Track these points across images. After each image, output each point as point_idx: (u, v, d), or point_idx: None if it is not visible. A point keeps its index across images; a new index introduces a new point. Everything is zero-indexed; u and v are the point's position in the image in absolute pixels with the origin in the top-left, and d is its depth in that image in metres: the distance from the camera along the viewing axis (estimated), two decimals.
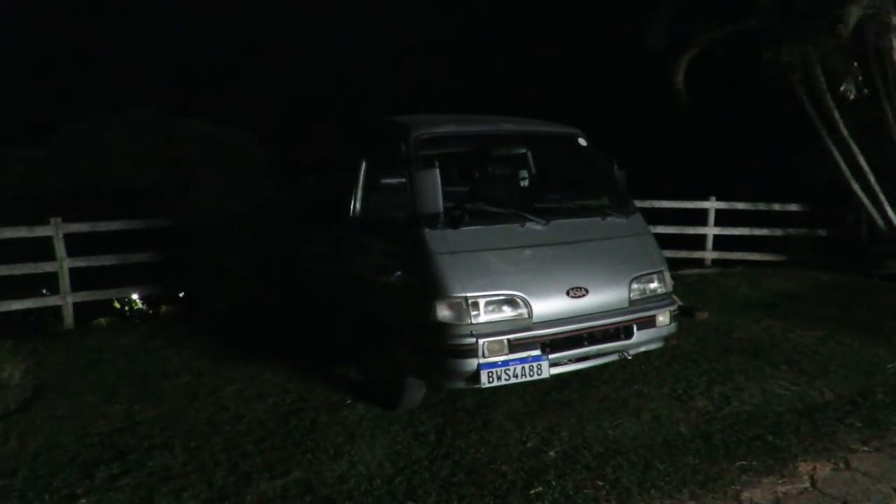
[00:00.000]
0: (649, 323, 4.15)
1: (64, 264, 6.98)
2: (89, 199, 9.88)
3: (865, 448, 3.65)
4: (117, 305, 7.84)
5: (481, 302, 3.70)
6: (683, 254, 9.21)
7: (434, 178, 3.81)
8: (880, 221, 8.66)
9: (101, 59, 16.85)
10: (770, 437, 3.77)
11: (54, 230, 6.92)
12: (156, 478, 3.47)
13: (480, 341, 3.61)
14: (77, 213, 7.58)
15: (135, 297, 7.87)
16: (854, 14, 7.15)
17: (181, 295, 8.09)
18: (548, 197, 4.77)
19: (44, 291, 7.58)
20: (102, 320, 7.42)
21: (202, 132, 12.27)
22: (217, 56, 17.45)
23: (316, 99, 16.42)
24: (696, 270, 9.01)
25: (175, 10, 17.58)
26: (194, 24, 17.62)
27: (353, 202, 4.66)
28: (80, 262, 7.12)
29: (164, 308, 7.92)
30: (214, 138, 12.25)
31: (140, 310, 7.90)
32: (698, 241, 9.44)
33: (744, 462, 3.48)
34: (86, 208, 8.87)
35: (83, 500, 3.28)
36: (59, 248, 6.94)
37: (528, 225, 4.10)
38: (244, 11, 18.10)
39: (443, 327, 3.65)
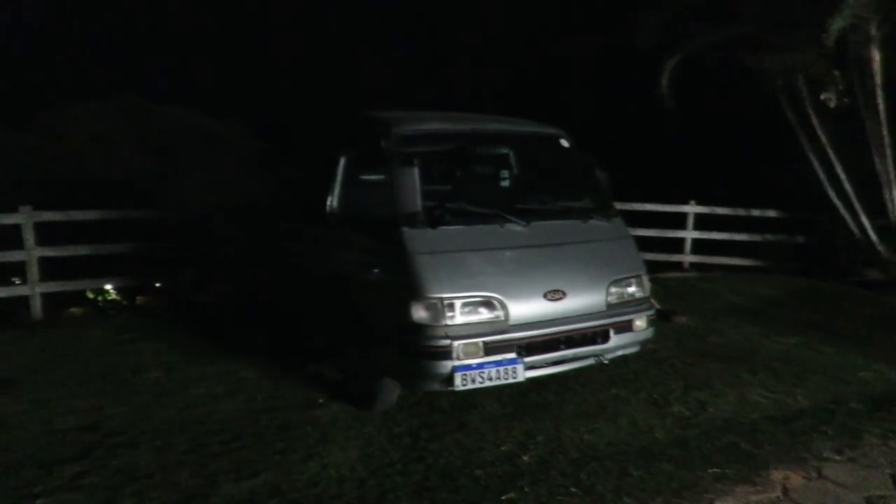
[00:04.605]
0: (626, 327, 4.12)
1: (33, 254, 6.82)
2: (66, 188, 9.67)
3: (838, 457, 3.65)
4: (91, 296, 7.68)
5: (457, 303, 3.64)
6: (662, 257, 9.24)
7: (414, 177, 3.74)
8: (855, 229, 8.75)
9: (84, 45, 16.49)
10: (745, 445, 3.76)
11: (24, 218, 6.75)
12: (119, 478, 3.36)
13: (455, 343, 3.55)
14: (54, 201, 7.43)
15: (109, 287, 7.72)
16: (837, 24, 7.18)
17: (157, 286, 7.96)
18: (530, 198, 4.72)
19: (15, 281, 7.41)
20: (75, 310, 7.28)
21: (190, 122, 12.05)
22: (209, 43, 17.14)
23: (311, 90, 16.21)
24: (676, 274, 9.04)
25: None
26: (184, 8, 17.31)
27: (331, 198, 4.57)
28: (51, 252, 6.96)
29: (139, 299, 7.80)
30: (203, 128, 12.04)
31: (114, 301, 7.76)
32: (678, 245, 9.47)
33: (718, 470, 3.46)
34: (63, 197, 8.70)
35: (41, 501, 3.17)
36: (29, 237, 6.78)
37: (509, 226, 4.05)
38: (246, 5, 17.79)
39: (418, 328, 3.60)
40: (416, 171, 3.74)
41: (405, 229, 3.74)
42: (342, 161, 4.60)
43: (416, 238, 3.73)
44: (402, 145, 4.07)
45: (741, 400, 4.46)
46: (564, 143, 4.81)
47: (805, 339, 5.90)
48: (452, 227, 3.86)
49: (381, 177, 4.11)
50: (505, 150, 5.23)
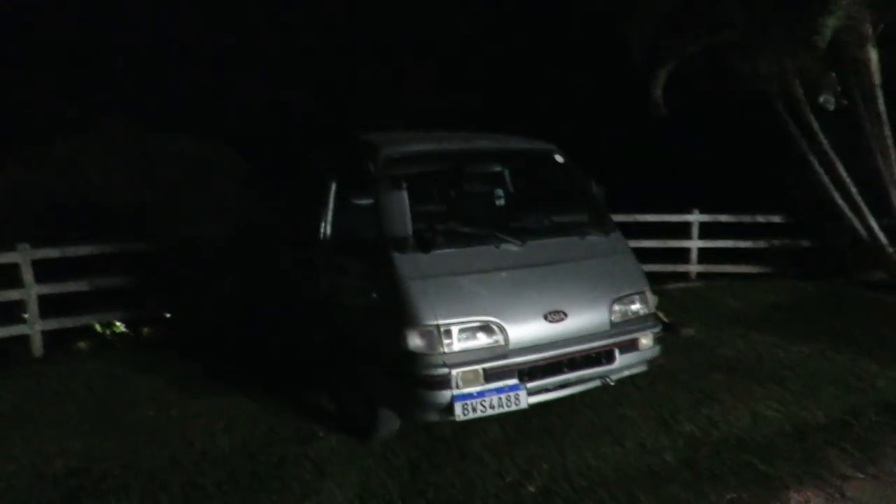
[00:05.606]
0: (632, 346, 3.99)
1: (32, 291, 6.74)
2: (64, 221, 9.62)
3: (860, 475, 3.49)
4: (98, 329, 7.62)
5: (454, 330, 3.51)
6: (669, 267, 9.10)
7: (403, 200, 3.64)
8: (862, 230, 8.58)
9: (69, 73, 16.38)
10: (760, 465, 3.61)
11: (21, 257, 6.68)
12: None
13: (454, 371, 3.42)
14: (51, 235, 7.36)
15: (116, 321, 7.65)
16: (831, 25, 7.08)
17: (167, 316, 7.89)
18: (524, 216, 4.61)
19: (24, 316, 7.31)
20: (82, 344, 7.21)
21: (180, 148, 12.00)
22: (193, 68, 17.09)
23: (297, 113, 16.17)
24: (681, 284, 8.90)
25: (146, 20, 17.19)
26: (168, 36, 17.27)
27: (323, 222, 4.49)
28: (49, 290, 6.88)
29: (145, 331, 7.73)
30: (193, 154, 11.97)
31: (122, 333, 7.68)
32: (683, 255, 9.34)
33: (734, 494, 3.31)
34: (60, 230, 8.63)
35: None
36: (27, 275, 6.71)
37: (504, 246, 3.93)
38: (221, 21, 17.76)
39: (414, 357, 3.47)
40: (404, 194, 3.64)
41: (395, 254, 3.63)
42: (333, 185, 4.52)
43: (408, 263, 3.62)
44: (391, 167, 3.98)
45: (753, 415, 4.31)
46: (558, 158, 4.71)
47: (815, 347, 5.73)
48: (445, 251, 3.74)
49: (372, 200, 4.01)
50: (497, 168, 5.14)
